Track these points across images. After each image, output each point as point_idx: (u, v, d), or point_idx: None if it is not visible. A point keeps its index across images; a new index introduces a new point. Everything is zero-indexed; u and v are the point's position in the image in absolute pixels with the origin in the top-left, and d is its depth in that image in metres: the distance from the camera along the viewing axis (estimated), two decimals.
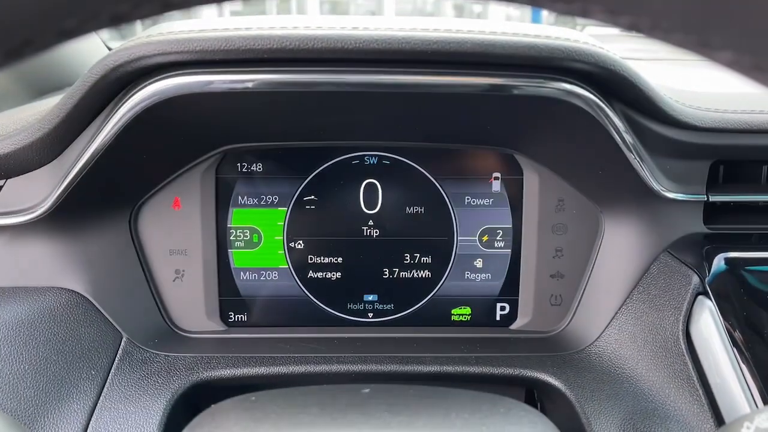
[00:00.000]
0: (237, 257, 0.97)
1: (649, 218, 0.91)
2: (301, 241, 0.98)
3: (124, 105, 0.77)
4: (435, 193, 0.97)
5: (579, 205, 0.96)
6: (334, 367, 0.87)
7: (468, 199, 0.98)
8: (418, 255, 0.98)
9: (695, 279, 0.86)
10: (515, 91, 0.78)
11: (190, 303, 0.96)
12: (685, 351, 0.83)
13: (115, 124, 0.78)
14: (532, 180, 0.96)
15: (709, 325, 0.82)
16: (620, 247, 0.93)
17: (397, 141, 0.95)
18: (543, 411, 0.92)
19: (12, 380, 0.77)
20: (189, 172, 0.93)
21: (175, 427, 0.77)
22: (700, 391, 0.80)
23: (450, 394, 0.64)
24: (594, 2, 0.25)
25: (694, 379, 0.81)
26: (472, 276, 0.99)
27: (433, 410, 0.61)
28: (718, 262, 0.87)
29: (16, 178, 0.85)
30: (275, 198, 0.97)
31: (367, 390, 0.64)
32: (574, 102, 0.78)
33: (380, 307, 1.00)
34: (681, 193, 0.89)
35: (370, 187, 0.97)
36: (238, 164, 0.95)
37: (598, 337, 0.91)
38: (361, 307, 0.99)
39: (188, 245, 0.95)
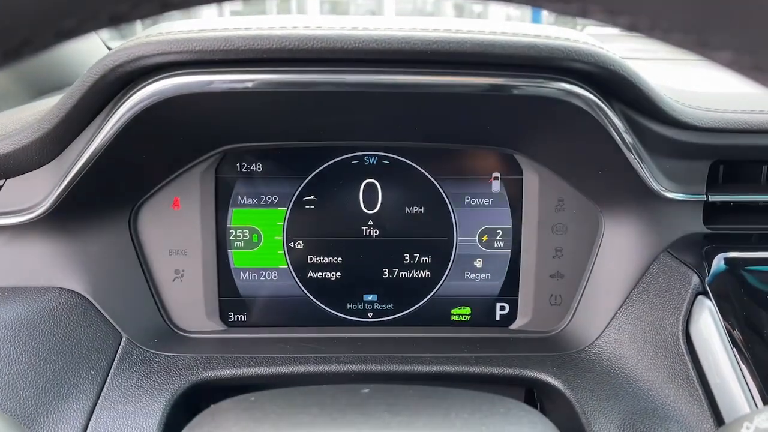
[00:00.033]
0: (237, 257, 0.97)
1: (648, 218, 0.91)
2: (300, 241, 0.98)
3: (124, 105, 0.77)
4: (435, 193, 0.97)
5: (579, 205, 0.96)
6: (334, 367, 0.87)
7: (468, 199, 0.98)
8: (418, 255, 0.98)
9: (695, 279, 0.86)
10: (515, 91, 0.78)
11: (190, 303, 0.96)
12: (684, 351, 0.83)
13: (114, 124, 0.78)
14: (531, 180, 0.96)
15: (708, 325, 0.82)
16: (620, 247, 0.93)
17: (396, 141, 0.95)
18: (543, 411, 0.92)
19: (11, 380, 0.77)
20: (188, 172, 0.93)
21: (174, 427, 0.77)
22: (700, 391, 0.80)
23: (450, 394, 0.64)
24: (593, 2, 0.25)
25: (694, 379, 0.81)
26: (472, 276, 0.99)
27: (432, 410, 0.61)
28: (718, 262, 0.87)
29: (15, 178, 0.85)
30: (275, 198, 0.97)
31: (366, 390, 0.64)
32: (574, 102, 0.78)
33: (380, 307, 1.00)
34: (681, 193, 0.89)
35: (370, 187, 0.97)
36: (238, 164, 0.95)
37: (598, 337, 0.91)
38: (361, 307, 0.99)
39: (188, 245, 0.95)
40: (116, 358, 0.85)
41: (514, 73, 0.78)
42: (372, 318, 1.00)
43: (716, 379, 0.79)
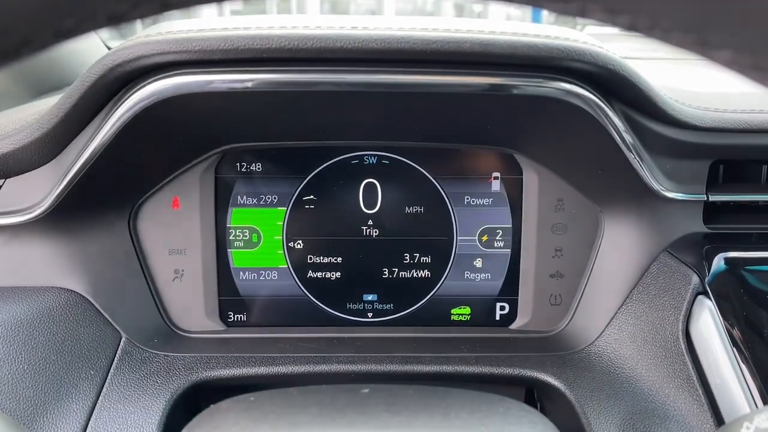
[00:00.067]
0: (236, 257, 0.97)
1: (648, 218, 0.91)
2: (300, 241, 0.98)
3: (123, 105, 0.77)
4: (434, 192, 0.97)
5: (578, 205, 0.96)
6: (334, 367, 0.87)
7: (467, 198, 0.97)
8: (418, 255, 0.98)
9: (695, 279, 0.86)
10: (515, 91, 0.78)
11: (190, 303, 0.96)
12: (684, 351, 0.83)
13: (113, 124, 0.78)
14: (531, 180, 0.96)
15: (708, 325, 0.82)
16: (620, 247, 0.93)
17: (396, 141, 0.95)
18: (543, 411, 0.92)
19: (11, 380, 0.77)
20: (188, 172, 0.93)
21: (174, 427, 0.77)
22: (700, 391, 0.80)
23: (449, 394, 0.64)
24: (593, 1, 0.25)
25: (694, 379, 0.81)
26: (472, 276, 0.99)
27: (432, 410, 0.61)
28: (718, 262, 0.87)
29: (15, 177, 0.85)
30: (274, 198, 0.97)
31: (366, 390, 0.64)
32: (573, 102, 0.78)
33: (380, 306, 0.99)
34: (681, 192, 0.89)
35: (370, 187, 0.97)
36: (238, 164, 0.95)
37: (598, 337, 0.91)
38: (361, 306, 0.99)
39: (187, 245, 0.95)
40: (116, 358, 0.85)
41: (514, 72, 0.78)
42: (372, 318, 1.00)
43: (716, 379, 0.79)
